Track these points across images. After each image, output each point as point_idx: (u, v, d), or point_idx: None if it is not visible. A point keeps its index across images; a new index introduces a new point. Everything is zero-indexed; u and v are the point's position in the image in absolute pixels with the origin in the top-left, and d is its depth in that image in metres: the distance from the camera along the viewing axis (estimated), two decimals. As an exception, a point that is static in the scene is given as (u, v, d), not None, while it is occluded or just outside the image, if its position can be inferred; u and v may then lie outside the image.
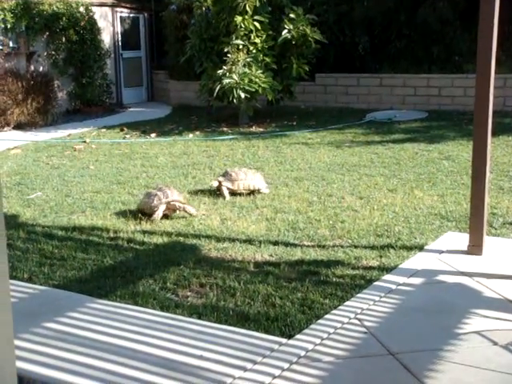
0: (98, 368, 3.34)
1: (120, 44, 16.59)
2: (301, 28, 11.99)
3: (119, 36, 16.58)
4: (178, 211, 6.26)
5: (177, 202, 6.22)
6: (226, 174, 7.06)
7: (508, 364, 3.30)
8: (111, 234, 5.73)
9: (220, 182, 6.97)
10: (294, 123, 12.23)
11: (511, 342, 3.51)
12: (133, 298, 4.31)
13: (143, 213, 6.25)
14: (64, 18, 14.38)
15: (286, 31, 11.98)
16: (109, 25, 16.29)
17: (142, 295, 4.34)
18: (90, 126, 12.83)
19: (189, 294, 4.40)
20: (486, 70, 4.70)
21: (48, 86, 13.16)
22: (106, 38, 16.03)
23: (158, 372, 3.28)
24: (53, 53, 14.61)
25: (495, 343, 3.52)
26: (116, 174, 8.32)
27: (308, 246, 5.29)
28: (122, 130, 12.20)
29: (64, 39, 14.56)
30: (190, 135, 11.43)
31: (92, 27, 15.03)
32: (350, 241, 5.40)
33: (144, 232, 5.78)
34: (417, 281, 4.48)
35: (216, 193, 7.07)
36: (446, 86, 13.01)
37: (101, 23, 15.68)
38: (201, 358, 3.42)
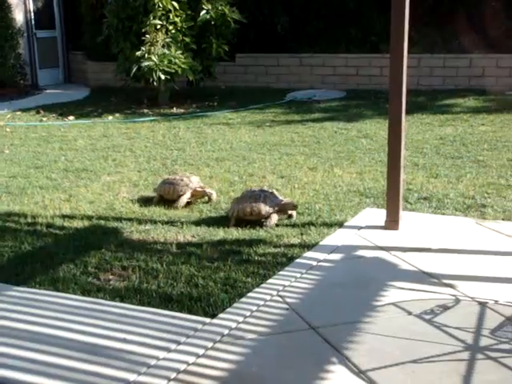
0: (17, 357, 3.27)
1: (33, 23, 16.03)
2: (219, 8, 11.93)
3: (32, 14, 16.01)
4: (202, 198, 6.04)
5: (203, 188, 6.03)
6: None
7: (421, 332, 3.45)
8: (29, 220, 5.59)
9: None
10: (215, 104, 12.21)
11: (425, 312, 3.66)
12: (53, 283, 4.23)
13: (163, 199, 5.99)
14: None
15: (204, 11, 11.89)
16: (20, 2, 15.70)
17: (63, 280, 4.27)
18: (4, 109, 12.39)
19: (111, 277, 4.36)
20: (399, 50, 4.82)
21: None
22: (19, 16, 15.45)
23: (79, 357, 3.24)
24: (-40, 32, 14.00)
25: (410, 313, 3.67)
26: (33, 158, 8.09)
27: (230, 226, 5.32)
28: (38, 112, 11.85)
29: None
30: (110, 117, 11.23)
31: (2, 4, 14.44)
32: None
33: (64, 216, 5.67)
34: (337, 257, 4.59)
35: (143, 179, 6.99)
36: (363, 66, 13.26)
37: (12, 0, 15.08)
38: (124, 341, 3.40)
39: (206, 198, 6.02)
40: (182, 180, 5.97)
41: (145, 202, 6.09)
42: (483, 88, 12.01)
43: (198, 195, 6.02)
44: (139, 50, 11.31)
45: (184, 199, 5.89)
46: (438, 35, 12.63)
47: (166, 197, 5.99)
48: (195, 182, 6.02)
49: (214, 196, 6.04)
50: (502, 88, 11.94)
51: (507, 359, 3.15)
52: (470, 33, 12.07)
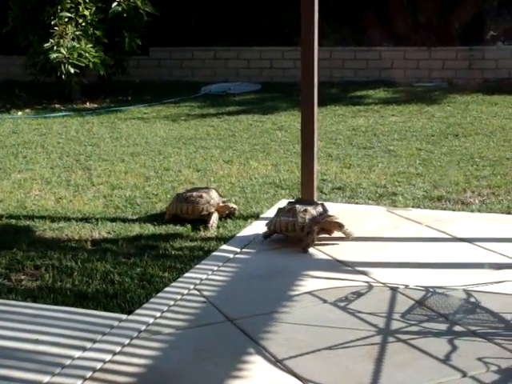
0: None
1: None
2: (131, 0, 11.74)
3: None
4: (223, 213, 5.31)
5: (226, 203, 5.33)
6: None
7: (335, 319, 3.53)
8: None
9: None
10: (129, 98, 12.02)
11: (339, 299, 3.75)
12: (-40, 286, 4.08)
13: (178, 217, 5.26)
14: None
15: (115, 3, 11.66)
16: None
17: (-29, 283, 4.12)
18: None
19: (23, 277, 4.23)
20: (310, 42, 4.90)
21: None
22: None
23: (-11, 361, 3.14)
24: None
25: (325, 301, 3.75)
26: None
27: (146, 221, 5.27)
28: None
29: None
30: (19, 113, 10.86)
31: None
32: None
33: (-29, 217, 5.46)
34: (253, 249, 4.63)
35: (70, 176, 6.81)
36: (277, 59, 13.38)
37: None
38: (36, 341, 3.31)
39: (227, 212, 5.33)
40: (201, 197, 5.21)
41: (58, 199, 5.95)
42: (392, 80, 12.35)
43: (221, 211, 5.31)
44: (47, 42, 10.98)
45: (214, 220, 5.14)
46: (348, 29, 12.89)
47: (182, 216, 5.25)
48: (215, 197, 5.30)
49: (237, 210, 5.39)
50: (410, 80, 12.32)
51: (416, 340, 3.27)
52: (378, 27, 12.38)
